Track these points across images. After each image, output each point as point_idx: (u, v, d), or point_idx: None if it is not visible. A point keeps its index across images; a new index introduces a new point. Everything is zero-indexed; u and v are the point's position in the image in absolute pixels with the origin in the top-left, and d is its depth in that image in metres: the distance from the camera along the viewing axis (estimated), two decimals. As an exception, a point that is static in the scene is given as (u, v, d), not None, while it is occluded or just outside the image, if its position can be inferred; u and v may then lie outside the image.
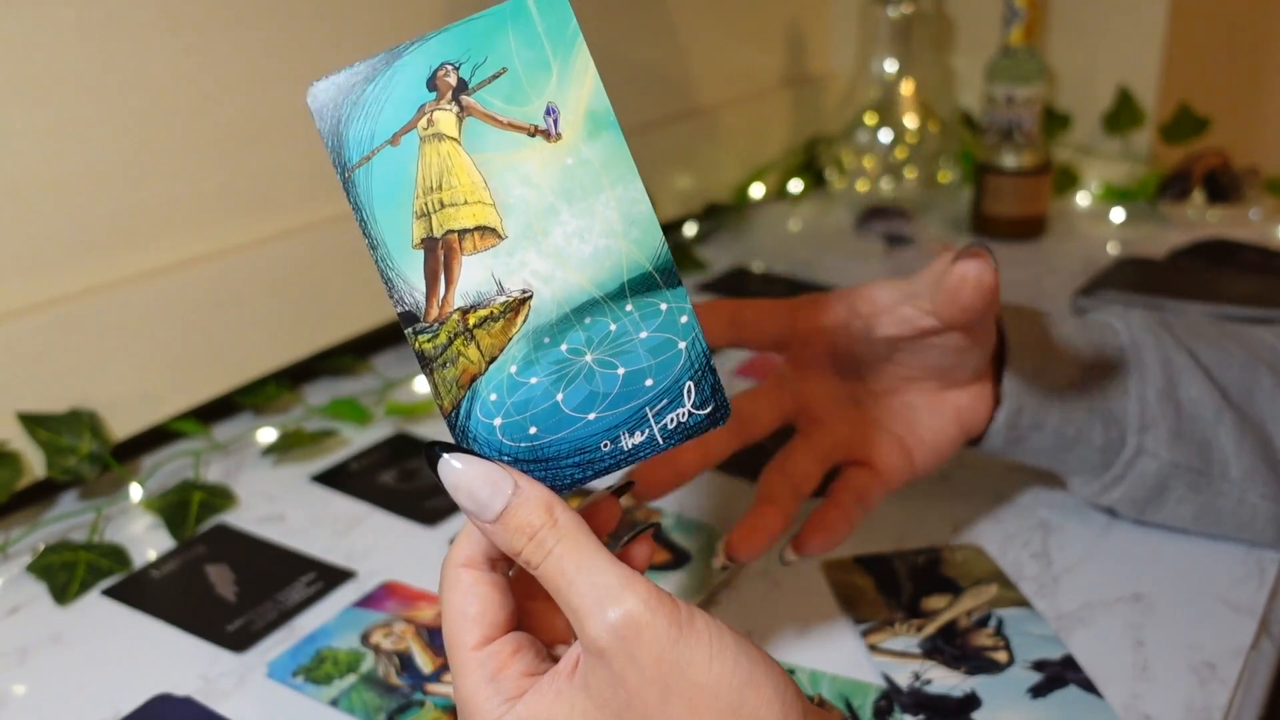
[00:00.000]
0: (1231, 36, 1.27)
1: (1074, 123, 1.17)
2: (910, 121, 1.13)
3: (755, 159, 1.16)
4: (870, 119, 1.14)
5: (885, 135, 1.13)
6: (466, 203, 0.34)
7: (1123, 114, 1.13)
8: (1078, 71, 1.15)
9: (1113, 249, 1.02)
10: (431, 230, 0.34)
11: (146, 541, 0.60)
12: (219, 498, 0.63)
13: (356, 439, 0.71)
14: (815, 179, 1.22)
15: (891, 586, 0.53)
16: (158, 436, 0.69)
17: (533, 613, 0.39)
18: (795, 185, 1.19)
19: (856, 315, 0.48)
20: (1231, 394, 0.53)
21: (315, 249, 0.74)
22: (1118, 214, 1.10)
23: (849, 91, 1.16)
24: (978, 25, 1.19)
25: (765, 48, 1.17)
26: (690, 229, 1.08)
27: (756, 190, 1.14)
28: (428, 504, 0.62)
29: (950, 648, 0.49)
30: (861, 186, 1.15)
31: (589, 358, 0.34)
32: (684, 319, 0.34)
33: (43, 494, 0.64)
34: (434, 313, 0.34)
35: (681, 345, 0.35)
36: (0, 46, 0.57)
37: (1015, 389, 0.51)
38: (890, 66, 1.13)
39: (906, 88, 1.13)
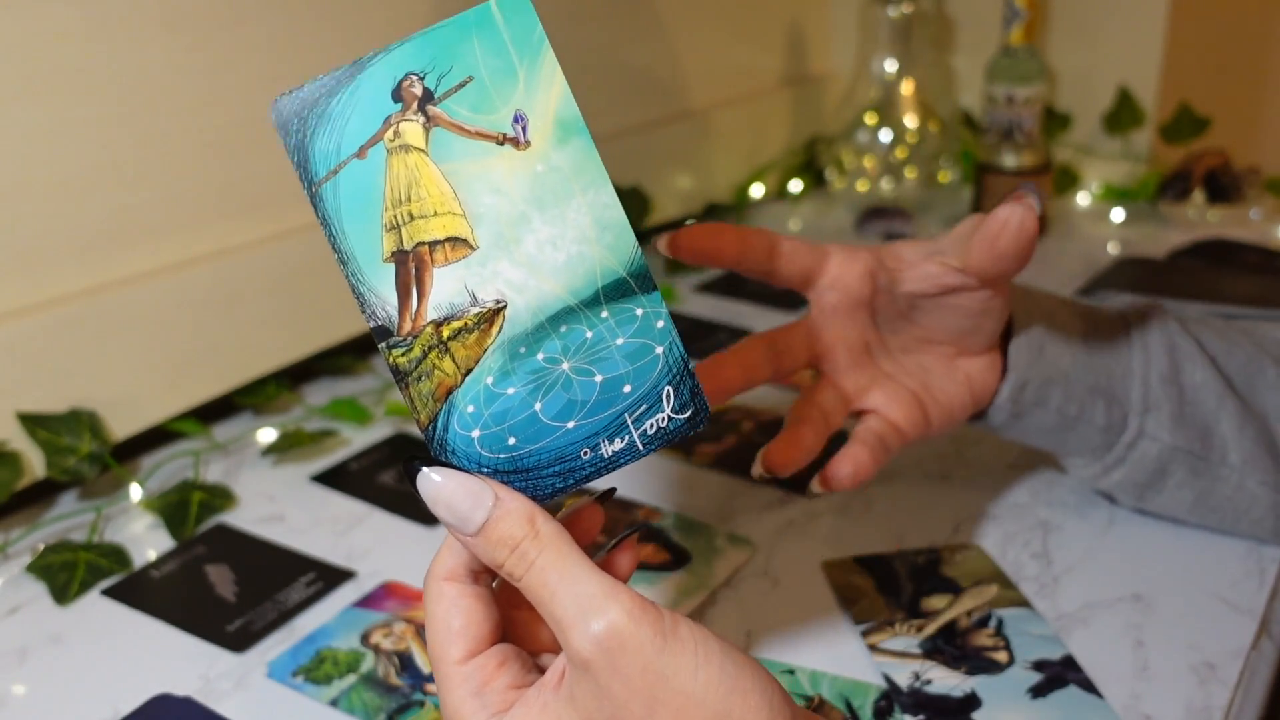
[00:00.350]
0: (1231, 36, 1.27)
1: (1074, 123, 1.17)
2: (910, 121, 1.13)
3: (755, 159, 1.16)
4: (870, 119, 1.14)
5: (885, 135, 1.13)
6: (436, 214, 0.33)
7: (1123, 114, 1.12)
8: (1078, 71, 1.15)
9: (1113, 249, 1.02)
10: (402, 243, 0.33)
11: (146, 541, 0.60)
12: (219, 498, 0.63)
13: (356, 439, 0.71)
14: (815, 179, 1.22)
15: (891, 586, 0.53)
16: (158, 436, 0.69)
17: (517, 623, 0.38)
18: (795, 185, 1.19)
19: (882, 268, 0.48)
20: (1235, 383, 0.53)
21: (315, 249, 0.74)
22: (1118, 214, 1.10)
23: (849, 91, 1.16)
24: (978, 25, 1.19)
25: (765, 48, 1.17)
26: (690, 229, 1.08)
27: (756, 190, 1.14)
28: (428, 504, 0.62)
29: (950, 648, 0.49)
30: (861, 186, 1.15)
31: (566, 366, 0.34)
32: (660, 324, 0.34)
33: (43, 494, 0.64)
34: (407, 326, 0.34)
35: (659, 350, 0.34)
36: (0, 46, 0.57)
37: (1020, 363, 0.51)
38: (890, 66, 1.13)
39: (906, 88, 1.13)
